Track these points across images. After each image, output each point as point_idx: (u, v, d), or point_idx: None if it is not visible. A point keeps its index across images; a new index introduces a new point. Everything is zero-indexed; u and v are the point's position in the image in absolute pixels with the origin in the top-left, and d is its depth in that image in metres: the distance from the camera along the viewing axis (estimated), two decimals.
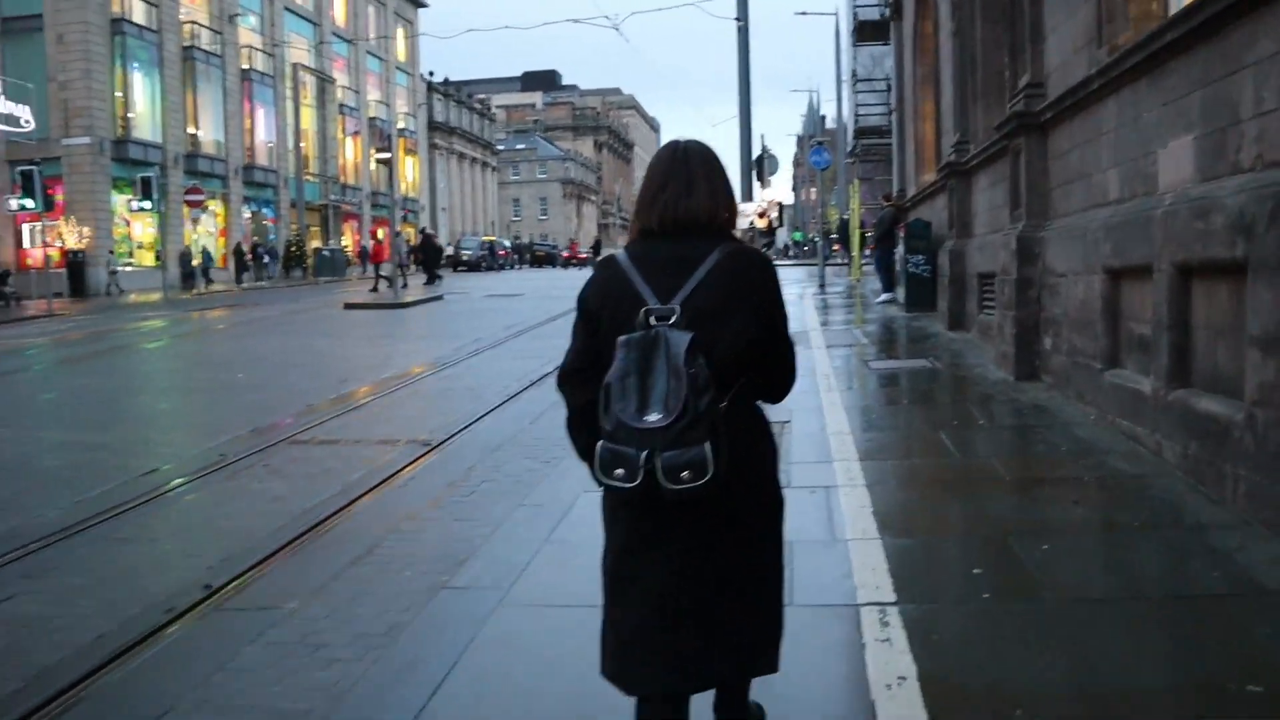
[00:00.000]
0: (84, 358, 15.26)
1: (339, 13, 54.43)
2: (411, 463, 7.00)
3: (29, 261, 36.23)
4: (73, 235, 34.38)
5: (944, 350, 11.24)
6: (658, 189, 2.32)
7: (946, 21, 14.06)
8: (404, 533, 5.35)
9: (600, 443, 2.18)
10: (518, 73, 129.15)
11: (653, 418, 2.09)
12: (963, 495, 5.32)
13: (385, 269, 27.76)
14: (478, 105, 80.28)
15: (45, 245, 35.49)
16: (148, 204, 31.08)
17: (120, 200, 37.34)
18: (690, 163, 2.34)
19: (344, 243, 54.95)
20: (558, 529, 4.83)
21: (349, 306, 21.90)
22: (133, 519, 5.82)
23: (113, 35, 36.26)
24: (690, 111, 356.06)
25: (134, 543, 5.46)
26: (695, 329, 2.15)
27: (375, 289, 29.80)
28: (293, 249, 46.12)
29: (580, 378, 2.35)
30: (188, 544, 5.48)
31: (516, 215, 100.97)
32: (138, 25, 37.34)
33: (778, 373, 2.41)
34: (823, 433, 6.83)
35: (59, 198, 35.67)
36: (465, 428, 8.18)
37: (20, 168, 26.72)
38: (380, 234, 44.16)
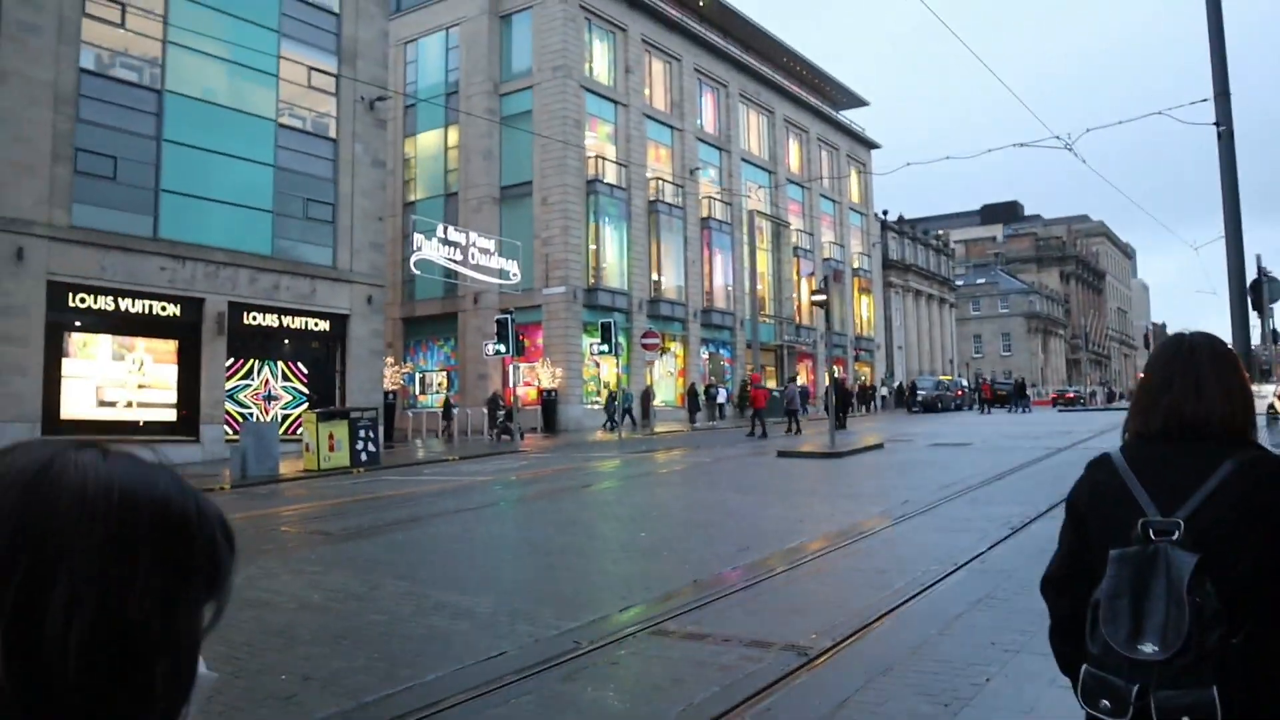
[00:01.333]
0: (509, 501, 15.34)
1: (793, 160, 55.92)
2: (776, 682, 5.33)
3: (513, 399, 39.80)
4: (547, 375, 37.15)
5: None
6: (1160, 389, 2.09)
7: None
8: None
9: (1085, 667, 1.97)
10: (977, 206, 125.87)
11: (1148, 649, 1.86)
12: None
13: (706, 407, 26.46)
14: (934, 241, 78.40)
15: (526, 384, 38.97)
16: (605, 348, 32.64)
17: (589, 343, 40.03)
18: (1198, 360, 2.08)
19: (799, 383, 55.12)
20: None
21: (781, 455, 20.64)
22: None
23: (587, 195, 39.55)
24: (1164, 235, 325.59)
25: None
26: (1202, 550, 1.87)
27: (752, 433, 29.42)
28: (747, 389, 46.61)
29: (1065, 586, 2.13)
30: None
31: (978, 352, 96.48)
32: (609, 184, 40.48)
33: None
34: None
35: (540, 341, 39.19)
36: (857, 632, 6.33)
37: (496, 317, 29.34)
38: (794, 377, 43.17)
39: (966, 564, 8.12)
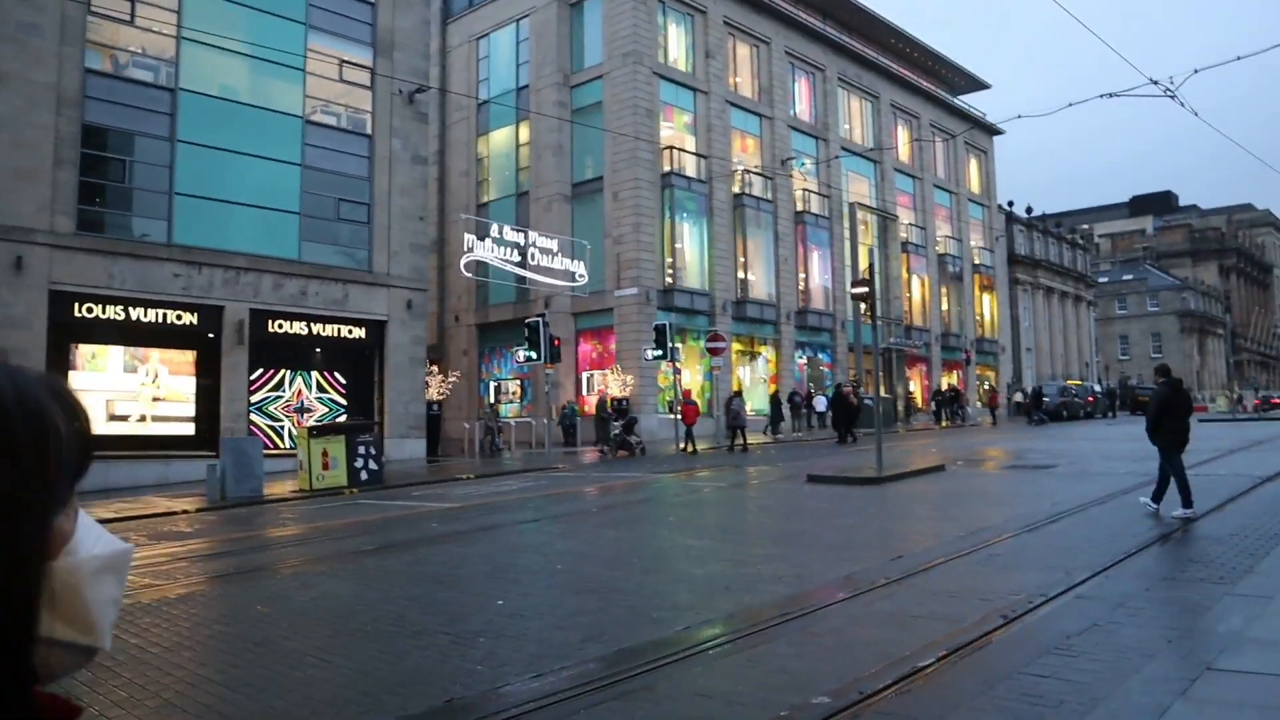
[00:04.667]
0: (537, 520, 12.95)
1: (902, 148, 51.98)
2: None
3: (586, 408, 37.57)
4: (618, 384, 34.73)
5: None
6: None
7: None
8: None
9: None
10: (1125, 198, 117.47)
11: None
12: None
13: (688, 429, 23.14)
14: (1069, 235, 72.62)
15: (599, 393, 36.65)
16: (660, 353, 29.93)
17: (645, 350, 37.44)
18: None
19: (911, 389, 51.16)
20: None
21: (813, 480, 17.51)
22: None
23: (662, 189, 36.96)
24: None
25: None
26: None
27: (841, 441, 25.67)
28: (843, 396, 42.94)
29: None
30: None
31: (1124, 354, 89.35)
32: (686, 178, 37.79)
33: None
34: None
35: (613, 347, 36.82)
36: None
37: (527, 320, 27.09)
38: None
39: (869, 698, 5.25)
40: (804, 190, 44.07)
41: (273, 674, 6.24)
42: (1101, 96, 18.63)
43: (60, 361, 22.41)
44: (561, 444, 34.47)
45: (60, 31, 22.44)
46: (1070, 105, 21.52)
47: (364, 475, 20.51)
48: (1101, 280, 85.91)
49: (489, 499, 17.11)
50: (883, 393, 46.52)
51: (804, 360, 44.12)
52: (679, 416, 28.53)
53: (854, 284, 22.33)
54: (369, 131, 28.14)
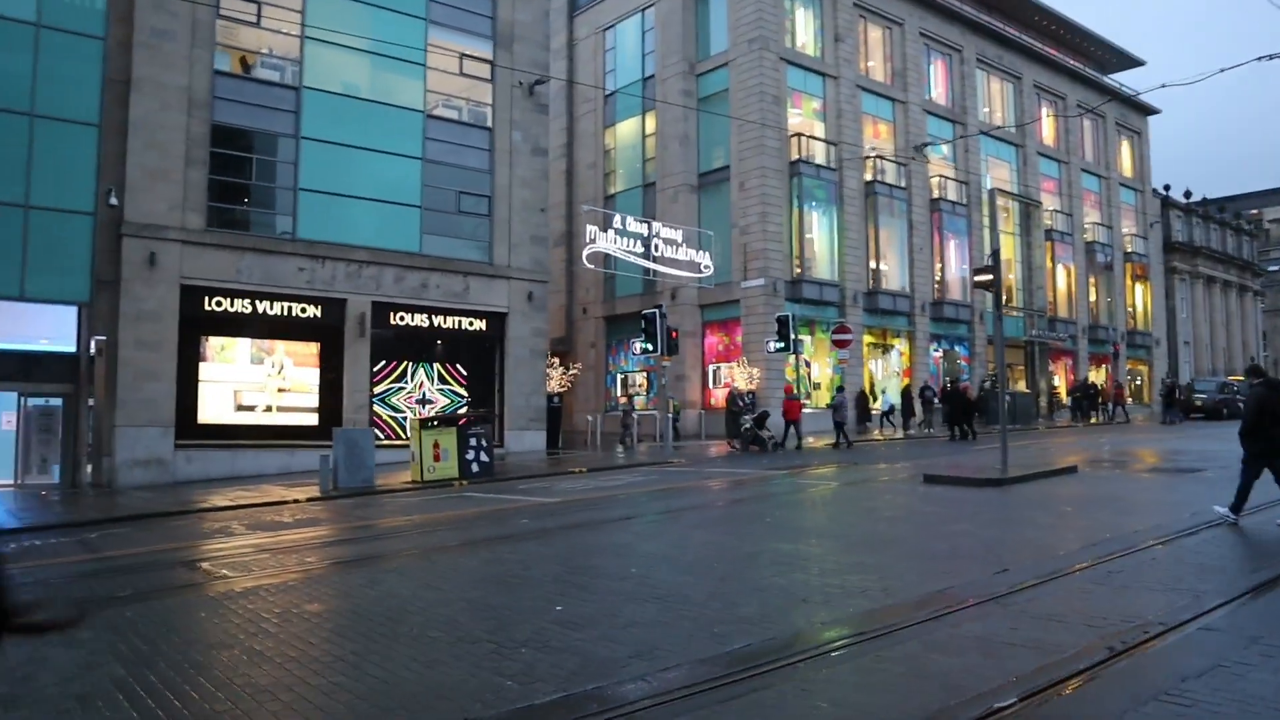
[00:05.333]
0: (629, 518, 12.59)
1: (1046, 131, 49.40)
2: None
3: (712, 401, 37.01)
4: (744, 377, 34.01)
5: None
6: None
7: None
8: None
9: None
10: None
11: None
12: None
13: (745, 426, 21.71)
14: (1234, 220, 67.90)
15: (725, 386, 36.00)
16: (782, 345, 29.02)
17: (768, 342, 36.53)
18: None
19: (1055, 383, 48.68)
20: None
21: (929, 480, 16.45)
22: None
23: (790, 177, 36.00)
24: None
25: None
26: None
27: (953, 438, 25.18)
28: (987, 389, 40.96)
29: None
30: None
31: None
32: (815, 165, 36.71)
33: None
34: None
35: (739, 339, 36.09)
36: None
37: (644, 311, 26.59)
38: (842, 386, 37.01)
39: None
40: (940, 177, 42.32)
41: (291, 681, 5.94)
42: (1259, 59, 16.92)
43: (191, 352, 23.20)
44: (685, 438, 34.02)
45: (191, 35, 23.16)
46: (1222, 70, 19.76)
47: (475, 467, 20.48)
48: (1271, 269, 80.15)
49: (591, 494, 16.76)
50: (1023, 387, 44.58)
51: (939, 353, 42.41)
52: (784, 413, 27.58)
53: (975, 271, 21.04)
54: (489, 124, 28.21)
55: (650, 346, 25.53)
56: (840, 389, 29.44)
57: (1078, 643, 6.27)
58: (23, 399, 22.59)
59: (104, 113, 22.21)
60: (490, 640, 6.78)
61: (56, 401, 22.65)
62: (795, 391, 29.81)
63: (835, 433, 27.47)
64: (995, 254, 16.79)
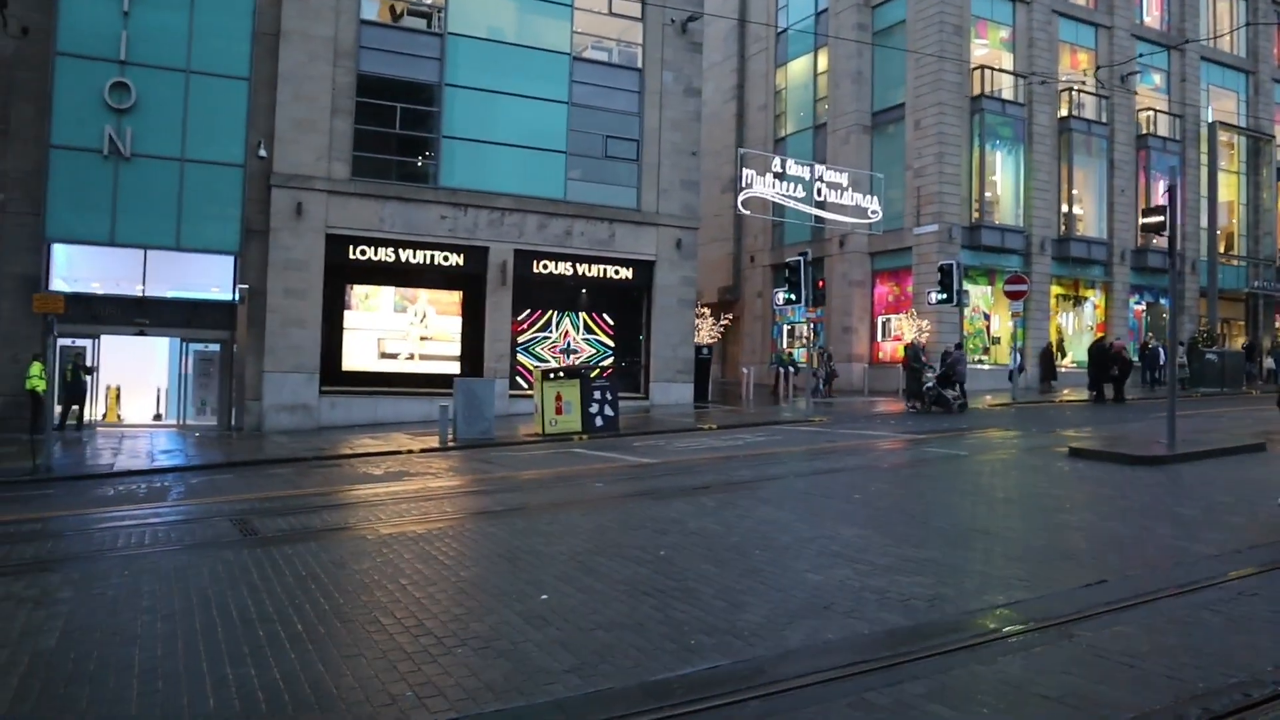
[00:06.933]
0: (706, 488, 11.75)
1: None
2: None
3: (880, 355, 35.19)
4: (912, 329, 32.04)
5: None
6: None
7: None
8: None
9: None
10: None
11: None
12: None
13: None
14: None
15: (895, 339, 34.11)
16: (945, 296, 26.91)
17: (977, 292, 34.17)
18: None
19: None
20: None
21: (1075, 453, 14.49)
22: None
23: (971, 115, 33.37)
24: None
25: None
26: None
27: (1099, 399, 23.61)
28: (1199, 343, 36.84)
29: None
30: None
31: None
32: (1001, 101, 33.85)
33: None
34: None
35: (910, 289, 34.01)
36: None
37: (788, 259, 25.10)
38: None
39: None
40: (1150, 110, 38.29)
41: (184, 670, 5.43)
42: None
43: (336, 301, 23.67)
44: (850, 393, 32.45)
45: None
46: None
47: (599, 421, 19.96)
48: None
49: (695, 456, 15.86)
50: (1238, 345, 40.15)
51: (1141, 306, 38.73)
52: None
53: (1145, 212, 18.50)
54: (639, 65, 27.28)
55: (794, 296, 24.15)
56: (958, 345, 26.83)
57: (1147, 703, 4.84)
58: (185, 345, 23.70)
59: (254, 66, 22.71)
60: (443, 636, 6.08)
61: (214, 347, 23.63)
62: (961, 346, 27.65)
63: (953, 391, 24.77)
64: (1171, 190, 14.54)
